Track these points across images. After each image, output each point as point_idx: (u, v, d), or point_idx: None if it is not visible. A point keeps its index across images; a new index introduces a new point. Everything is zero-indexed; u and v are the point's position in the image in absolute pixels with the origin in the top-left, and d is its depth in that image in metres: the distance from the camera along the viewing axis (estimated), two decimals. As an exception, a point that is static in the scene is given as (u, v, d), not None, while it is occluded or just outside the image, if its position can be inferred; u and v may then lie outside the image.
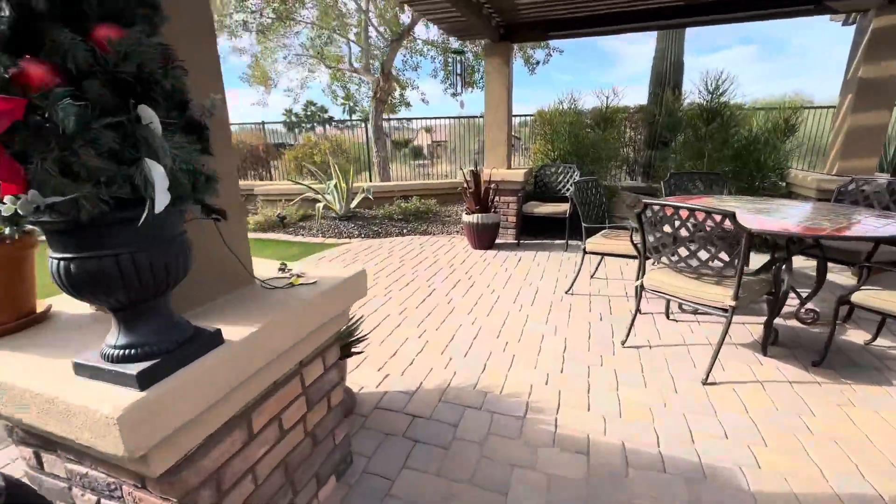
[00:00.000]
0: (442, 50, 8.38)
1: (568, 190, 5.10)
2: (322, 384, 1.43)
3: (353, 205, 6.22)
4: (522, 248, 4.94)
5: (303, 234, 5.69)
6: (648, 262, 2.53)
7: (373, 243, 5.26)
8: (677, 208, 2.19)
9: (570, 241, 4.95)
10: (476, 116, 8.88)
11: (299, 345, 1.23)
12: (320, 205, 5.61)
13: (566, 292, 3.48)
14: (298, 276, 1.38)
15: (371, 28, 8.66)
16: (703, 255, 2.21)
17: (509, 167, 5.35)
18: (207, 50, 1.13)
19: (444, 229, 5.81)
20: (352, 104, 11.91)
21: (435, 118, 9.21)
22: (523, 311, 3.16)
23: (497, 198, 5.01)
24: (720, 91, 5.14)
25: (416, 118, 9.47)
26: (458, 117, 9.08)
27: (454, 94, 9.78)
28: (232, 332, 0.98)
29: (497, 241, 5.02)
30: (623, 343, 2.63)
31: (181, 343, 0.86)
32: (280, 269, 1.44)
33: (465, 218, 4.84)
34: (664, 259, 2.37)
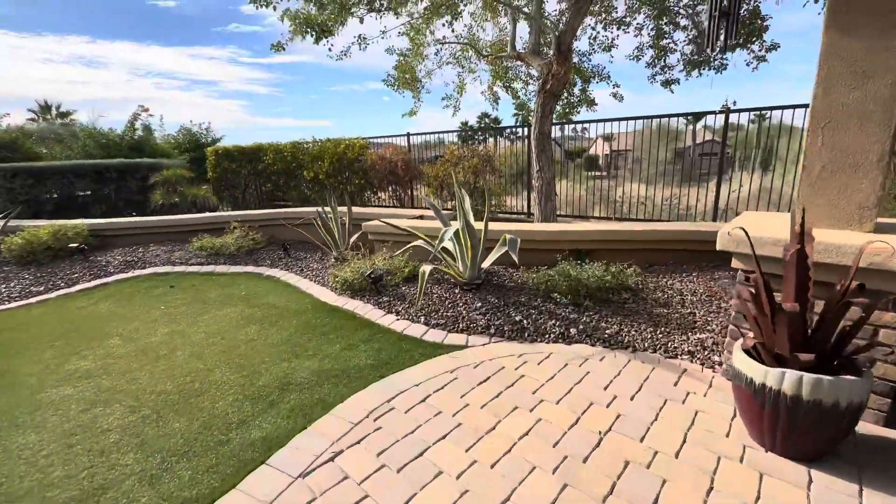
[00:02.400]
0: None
1: None
2: None
3: (487, 263, 3.73)
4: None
5: (396, 311, 3.48)
6: None
7: (506, 363, 2.64)
8: None
9: None
10: (668, 116, 5.33)
11: None
12: (426, 268, 3.28)
13: None
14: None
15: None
16: None
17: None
18: None
19: (661, 338, 2.78)
20: (523, 112, 9.50)
21: (616, 119, 5.92)
22: None
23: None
24: None
25: (593, 120, 6.35)
26: (647, 117, 5.69)
27: (702, 59, 6.04)
28: None
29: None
30: None
31: None
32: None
33: (743, 367, 1.80)
34: None
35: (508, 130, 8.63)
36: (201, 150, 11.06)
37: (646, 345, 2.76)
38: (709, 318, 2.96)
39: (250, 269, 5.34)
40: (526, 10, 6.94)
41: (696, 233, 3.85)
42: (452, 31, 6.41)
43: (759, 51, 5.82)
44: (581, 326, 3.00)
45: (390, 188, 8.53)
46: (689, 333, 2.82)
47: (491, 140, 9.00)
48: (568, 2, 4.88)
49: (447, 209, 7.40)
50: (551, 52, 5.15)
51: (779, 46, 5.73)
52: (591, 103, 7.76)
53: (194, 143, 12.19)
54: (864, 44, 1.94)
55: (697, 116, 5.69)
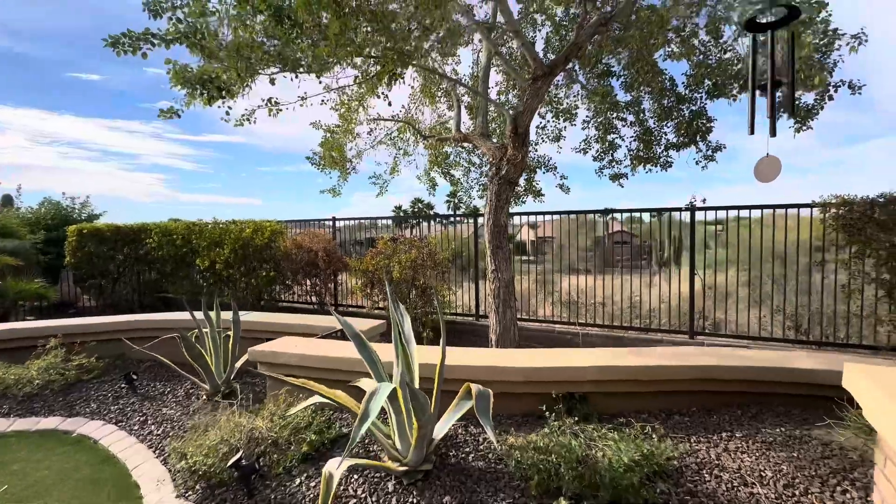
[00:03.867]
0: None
1: None
2: None
3: (442, 432, 2.30)
4: None
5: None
6: None
7: None
8: None
9: None
10: (591, 212, 4.83)
11: None
12: (333, 470, 1.77)
13: None
14: None
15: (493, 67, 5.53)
16: None
17: None
18: None
19: None
20: (454, 199, 8.81)
21: (541, 213, 5.51)
22: None
23: None
24: None
25: (519, 213, 5.86)
26: (568, 212, 5.19)
27: (647, 156, 5.71)
28: None
29: None
30: None
31: None
32: None
33: None
34: None
35: (451, 219, 7.76)
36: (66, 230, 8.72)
37: None
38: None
39: (53, 421, 3.34)
40: (466, 96, 6.47)
41: (744, 369, 2.82)
42: (389, 104, 5.59)
43: (706, 150, 5.67)
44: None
45: (308, 282, 6.96)
46: None
47: (428, 225, 8.04)
48: (526, 81, 4.25)
49: (378, 310, 5.97)
50: (506, 134, 4.39)
51: (724, 147, 5.63)
52: (538, 194, 7.23)
53: (60, 220, 9.77)
54: None
55: (661, 212, 5.17)
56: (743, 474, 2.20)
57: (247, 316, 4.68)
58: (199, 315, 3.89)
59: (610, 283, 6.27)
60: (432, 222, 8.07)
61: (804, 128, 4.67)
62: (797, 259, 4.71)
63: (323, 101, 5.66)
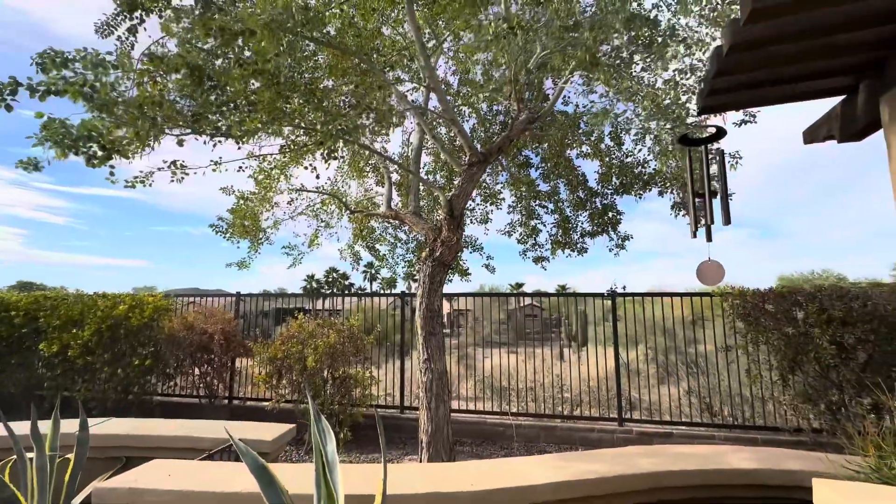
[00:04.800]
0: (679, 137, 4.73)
1: None
2: None
3: None
4: None
5: None
6: None
7: None
8: None
9: None
10: (506, 295, 4.94)
11: None
12: None
13: None
14: None
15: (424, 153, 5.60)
16: None
17: None
18: None
19: None
20: (373, 271, 8.40)
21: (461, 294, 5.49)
22: None
23: None
24: None
25: (448, 294, 5.76)
26: (482, 295, 5.27)
27: (565, 242, 6.10)
28: None
29: None
30: None
31: None
32: None
33: None
34: None
35: (372, 293, 7.28)
36: None
37: None
38: None
39: None
40: (395, 174, 6.46)
41: (694, 473, 2.67)
42: (317, 176, 5.25)
43: (617, 240, 6.20)
44: None
45: (198, 370, 5.78)
46: None
47: (342, 300, 7.45)
48: (462, 167, 4.28)
49: (286, 403, 5.06)
50: (441, 216, 4.29)
51: (631, 237, 6.21)
52: (465, 273, 7.18)
53: None
54: None
55: (587, 296, 5.34)
56: None
57: (105, 425, 3.56)
58: (23, 429, 2.81)
59: (533, 362, 6.21)
60: (351, 297, 7.50)
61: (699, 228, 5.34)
62: (695, 342, 5.10)
63: (241, 167, 5.16)
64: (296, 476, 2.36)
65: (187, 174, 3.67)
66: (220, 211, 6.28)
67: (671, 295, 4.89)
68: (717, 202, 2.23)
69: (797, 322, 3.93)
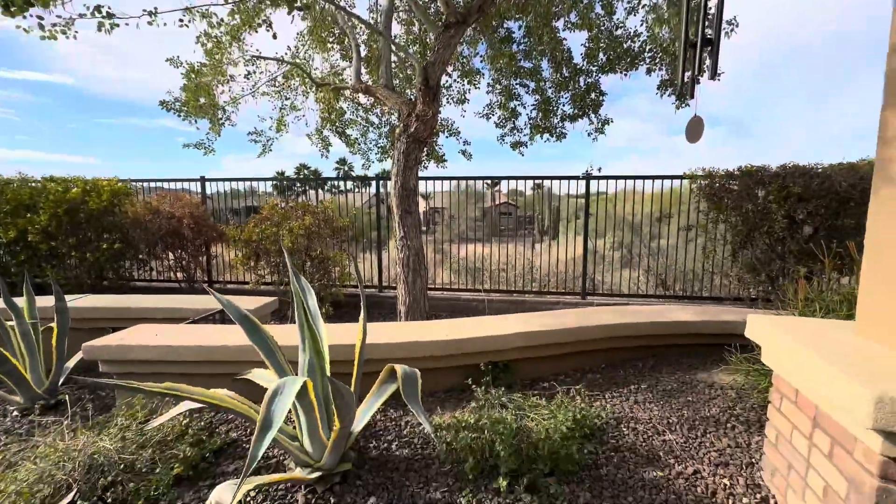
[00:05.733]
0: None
1: None
2: None
3: (361, 424, 1.95)
4: None
5: None
6: None
7: None
8: None
9: None
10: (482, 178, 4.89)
11: None
12: (233, 499, 1.34)
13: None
14: None
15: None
16: None
17: None
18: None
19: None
20: (346, 168, 8.05)
21: (433, 178, 5.44)
22: None
23: None
24: None
25: (425, 178, 5.69)
26: (458, 178, 5.21)
27: (545, 126, 5.94)
28: None
29: None
30: None
31: None
32: None
33: None
34: None
35: (346, 185, 7.08)
36: None
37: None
38: (731, 479, 1.90)
39: None
40: (363, 46, 5.79)
41: (645, 325, 2.99)
42: (274, 36, 4.62)
43: (597, 123, 6.03)
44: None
45: (172, 255, 5.73)
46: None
47: (316, 193, 7.28)
48: (438, 29, 3.85)
49: (266, 285, 5.20)
50: (416, 87, 3.97)
51: (612, 120, 6.05)
52: (441, 160, 6.99)
53: None
54: None
55: (563, 179, 5.33)
56: (654, 424, 2.33)
57: (82, 301, 3.59)
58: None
59: (506, 250, 6.47)
60: (323, 190, 7.30)
61: (683, 104, 5.21)
62: (652, 225, 5.36)
63: (182, 20, 4.45)
64: (281, 333, 2.49)
65: (117, 25, 3.14)
66: (172, 91, 5.60)
67: (644, 178, 4.96)
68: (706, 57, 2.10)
69: (757, 199, 4.11)
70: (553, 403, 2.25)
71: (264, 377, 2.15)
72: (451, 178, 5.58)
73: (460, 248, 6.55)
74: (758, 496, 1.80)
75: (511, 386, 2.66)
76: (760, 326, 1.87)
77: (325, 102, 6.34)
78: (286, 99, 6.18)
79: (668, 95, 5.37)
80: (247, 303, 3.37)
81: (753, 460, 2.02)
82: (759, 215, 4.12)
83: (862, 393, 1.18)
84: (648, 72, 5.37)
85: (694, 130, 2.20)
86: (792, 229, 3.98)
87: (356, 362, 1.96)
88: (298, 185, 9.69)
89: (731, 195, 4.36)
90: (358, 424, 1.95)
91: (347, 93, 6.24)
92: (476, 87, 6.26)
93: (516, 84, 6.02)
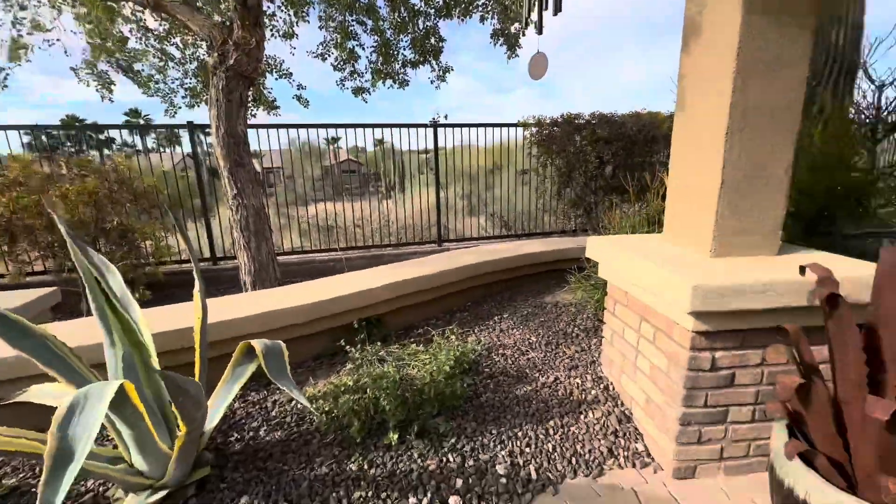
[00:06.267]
0: None
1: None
2: None
3: (214, 421, 1.59)
4: None
5: None
6: None
7: None
8: None
9: None
10: (323, 125, 4.67)
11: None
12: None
13: None
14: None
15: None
16: None
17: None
18: None
19: (574, 448, 1.78)
20: (142, 119, 6.42)
21: (264, 126, 4.78)
22: None
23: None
24: None
25: (264, 126, 5.03)
26: (296, 126, 4.76)
27: (386, 71, 5.52)
28: None
29: None
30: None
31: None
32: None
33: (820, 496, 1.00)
34: None
35: (158, 131, 5.57)
36: None
37: (564, 466, 1.68)
38: (584, 375, 2.22)
39: None
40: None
41: (503, 261, 3.17)
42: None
43: (439, 71, 6.02)
44: (460, 483, 1.57)
45: None
46: (588, 414, 1.97)
47: (101, 154, 5.63)
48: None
49: (32, 275, 3.84)
50: (231, 8, 3.20)
51: (452, 68, 6.11)
52: (272, 106, 6.07)
53: None
54: (775, 24, 1.54)
55: (410, 126, 5.19)
56: (518, 346, 2.56)
57: None
58: None
59: (359, 207, 6.19)
60: (110, 150, 5.59)
61: (513, 55, 5.54)
62: (491, 175, 5.84)
63: None
64: (74, 331, 1.83)
65: None
66: None
67: (486, 126, 5.21)
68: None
69: (576, 143, 4.76)
70: (431, 348, 2.25)
71: (50, 393, 1.55)
72: (286, 126, 4.87)
73: (308, 210, 5.97)
74: (601, 386, 2.16)
75: (386, 339, 2.57)
76: (598, 245, 2.16)
77: (93, 22, 4.69)
78: (21, 9, 4.35)
79: (500, 45, 5.65)
80: (8, 298, 2.40)
81: (593, 358, 2.41)
82: (578, 157, 4.79)
83: (683, 284, 1.44)
84: (482, 20, 5.52)
85: (538, 66, 2.31)
86: (601, 168, 4.76)
87: (197, 347, 1.56)
88: (69, 142, 7.31)
89: (556, 141, 4.93)
90: (212, 420, 1.59)
91: (127, 10, 4.74)
92: (305, 20, 5.47)
93: (353, 21, 5.48)
